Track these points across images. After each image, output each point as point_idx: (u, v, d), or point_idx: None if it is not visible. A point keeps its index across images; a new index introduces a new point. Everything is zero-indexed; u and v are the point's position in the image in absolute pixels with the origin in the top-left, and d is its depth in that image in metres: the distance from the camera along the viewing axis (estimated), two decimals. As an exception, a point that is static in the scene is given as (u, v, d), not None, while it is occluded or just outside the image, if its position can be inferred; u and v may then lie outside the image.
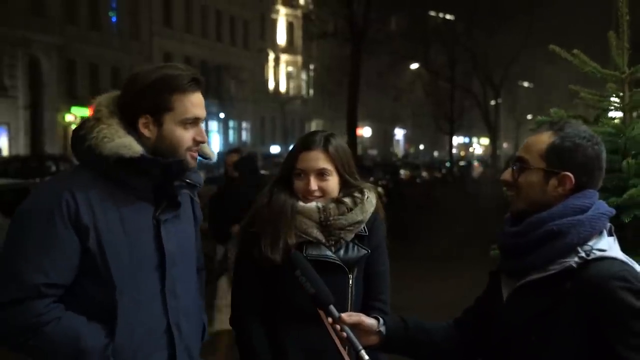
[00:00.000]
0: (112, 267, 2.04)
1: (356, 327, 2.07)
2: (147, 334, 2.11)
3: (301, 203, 2.49)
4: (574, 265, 1.81)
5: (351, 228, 2.49)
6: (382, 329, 2.11)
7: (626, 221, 2.71)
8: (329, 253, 2.46)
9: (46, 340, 2.01)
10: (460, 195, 27.76)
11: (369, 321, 2.10)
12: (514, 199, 1.98)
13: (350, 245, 2.51)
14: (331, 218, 2.46)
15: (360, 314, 2.13)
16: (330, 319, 2.05)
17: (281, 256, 2.41)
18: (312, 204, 2.48)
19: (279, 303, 2.49)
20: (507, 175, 1.99)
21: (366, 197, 2.54)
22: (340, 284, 2.46)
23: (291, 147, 2.64)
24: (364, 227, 2.53)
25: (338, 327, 2.04)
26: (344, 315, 2.05)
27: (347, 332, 2.02)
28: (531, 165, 1.93)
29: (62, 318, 2.02)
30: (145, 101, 2.11)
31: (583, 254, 1.82)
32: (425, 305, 7.76)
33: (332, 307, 2.05)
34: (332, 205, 2.49)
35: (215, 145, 44.89)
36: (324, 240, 2.47)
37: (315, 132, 2.60)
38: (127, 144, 2.05)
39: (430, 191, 27.17)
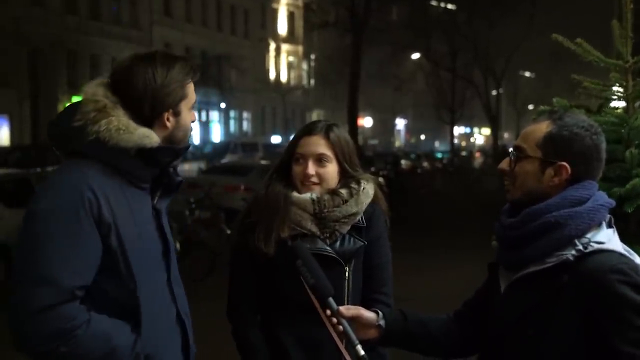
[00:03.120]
0: (132, 262, 2.01)
1: (355, 320, 2.05)
2: (165, 324, 2.12)
3: (296, 194, 2.45)
4: (571, 258, 1.79)
5: (346, 220, 2.45)
6: (382, 322, 2.09)
7: (629, 211, 2.70)
8: (323, 246, 2.42)
9: (79, 344, 1.95)
10: (461, 185, 27.76)
11: (368, 314, 2.09)
12: (510, 188, 1.96)
13: (347, 237, 2.47)
14: (325, 210, 2.42)
15: (359, 307, 2.11)
16: (328, 312, 2.03)
17: (274, 249, 2.39)
18: (307, 195, 2.44)
19: (276, 296, 2.46)
20: (504, 164, 1.97)
21: (362, 188, 2.49)
22: (336, 277, 2.41)
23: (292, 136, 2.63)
24: (361, 219, 2.49)
25: (335, 320, 2.02)
26: (342, 308, 2.03)
27: (344, 326, 2.00)
28: (528, 154, 1.92)
29: (90, 320, 1.96)
30: (169, 97, 2.09)
31: (580, 247, 1.80)
32: (426, 296, 7.76)
33: (331, 300, 2.03)
34: (326, 197, 2.45)
35: (216, 135, 44.86)
36: (318, 233, 2.43)
37: (318, 120, 2.58)
38: (147, 134, 2.04)
39: (431, 181, 27.16)
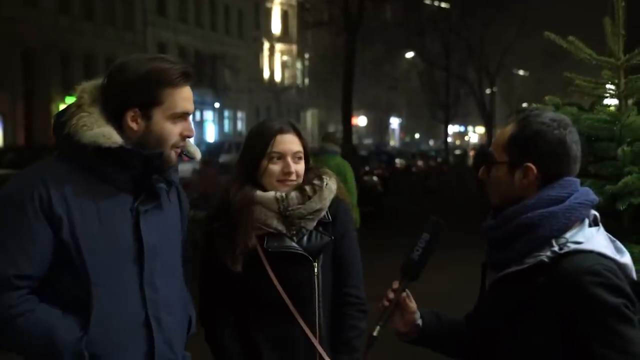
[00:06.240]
0: (87, 258, 2.00)
1: (404, 309, 2.03)
2: (123, 327, 2.07)
3: (259, 192, 2.45)
4: (546, 259, 1.77)
5: (311, 217, 2.46)
6: (419, 321, 2.08)
7: (621, 209, 2.70)
8: (291, 243, 2.43)
9: (17, 333, 1.97)
10: (456, 184, 27.78)
11: (413, 305, 2.06)
12: (489, 194, 1.96)
13: (313, 233, 2.47)
14: (290, 208, 2.43)
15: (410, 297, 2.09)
16: (396, 285, 2.00)
17: (241, 264, 2.39)
18: (271, 194, 2.44)
19: (248, 296, 2.45)
20: (481, 171, 1.97)
21: (325, 184, 2.51)
22: (305, 273, 2.44)
23: (251, 135, 2.58)
24: (327, 214, 2.50)
25: (391, 296, 2.00)
26: (404, 294, 2.01)
27: (392, 304, 1.99)
28: (496, 159, 1.91)
29: (35, 310, 1.98)
30: (134, 94, 2.07)
31: (556, 248, 1.78)
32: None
33: (408, 281, 2.00)
34: (294, 194, 2.45)
35: (210, 134, 44.81)
36: (284, 231, 2.43)
37: (275, 119, 2.58)
38: (106, 134, 2.01)
39: (425, 180, 27.18)
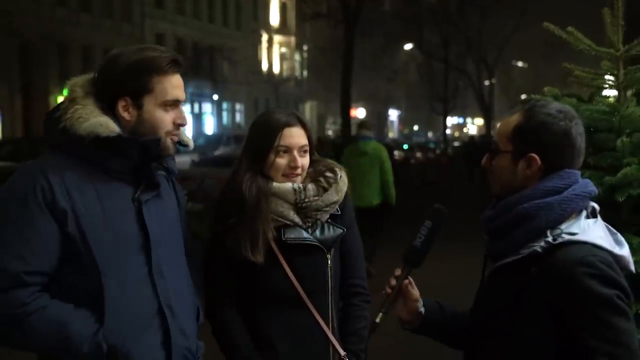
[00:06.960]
0: (95, 250, 2.00)
1: (404, 295, 2.06)
2: (137, 316, 2.07)
3: (275, 184, 2.43)
4: (539, 250, 1.77)
5: (327, 209, 2.46)
6: (422, 309, 2.09)
7: (620, 200, 2.69)
8: (306, 235, 2.43)
9: (32, 330, 1.96)
10: (455, 176, 27.78)
11: (416, 292, 2.08)
12: (491, 183, 1.96)
13: (326, 225, 2.47)
14: (307, 200, 2.42)
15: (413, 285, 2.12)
16: (398, 271, 2.05)
17: (263, 255, 2.37)
18: (288, 185, 2.43)
19: (258, 289, 2.43)
20: (484, 160, 1.97)
21: (339, 176, 2.50)
22: (319, 265, 2.44)
23: (256, 127, 2.52)
24: (337, 207, 2.50)
25: (393, 283, 2.03)
26: (406, 281, 2.05)
27: (394, 292, 2.03)
28: (500, 148, 1.91)
29: (47, 307, 1.97)
30: (124, 83, 2.08)
31: (550, 238, 1.78)
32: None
33: (410, 269, 2.04)
34: (310, 186, 2.45)
35: (209, 127, 44.76)
36: (300, 223, 2.43)
37: (281, 110, 2.54)
38: (103, 123, 2.02)
39: (424, 172, 27.19)
